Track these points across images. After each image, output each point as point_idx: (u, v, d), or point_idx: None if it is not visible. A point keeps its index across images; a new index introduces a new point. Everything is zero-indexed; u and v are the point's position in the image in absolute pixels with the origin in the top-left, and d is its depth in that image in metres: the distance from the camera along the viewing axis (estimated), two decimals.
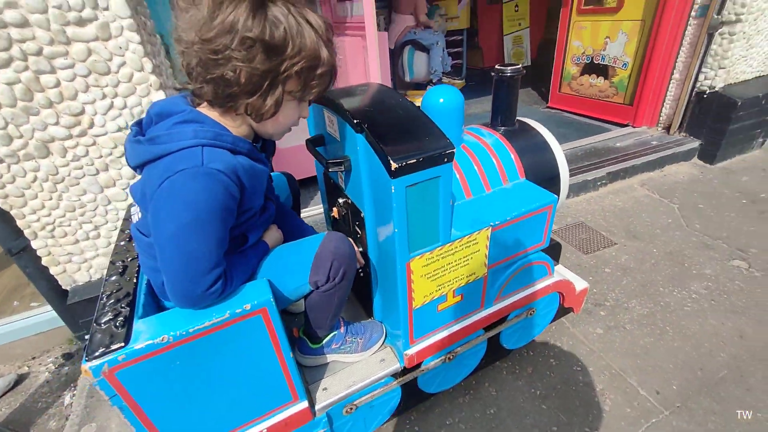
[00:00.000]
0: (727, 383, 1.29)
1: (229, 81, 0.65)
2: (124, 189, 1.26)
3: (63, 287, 1.34)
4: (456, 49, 4.84)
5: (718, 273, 1.74)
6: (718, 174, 2.50)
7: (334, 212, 1.12)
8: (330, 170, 0.90)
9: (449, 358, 1.13)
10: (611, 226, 2.11)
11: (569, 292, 1.30)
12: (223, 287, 0.70)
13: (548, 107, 3.62)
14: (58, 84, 1.07)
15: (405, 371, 1.06)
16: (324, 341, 1.00)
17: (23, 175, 1.13)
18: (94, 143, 1.17)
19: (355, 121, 0.78)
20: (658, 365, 1.36)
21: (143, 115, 0.78)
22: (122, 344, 0.63)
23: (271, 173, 1.05)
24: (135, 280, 0.76)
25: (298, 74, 0.67)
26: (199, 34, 0.62)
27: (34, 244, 1.24)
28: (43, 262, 1.27)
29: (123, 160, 1.23)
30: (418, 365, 1.08)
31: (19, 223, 1.19)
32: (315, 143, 1.03)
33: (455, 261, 0.94)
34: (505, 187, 1.10)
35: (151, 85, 1.17)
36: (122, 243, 0.90)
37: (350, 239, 0.89)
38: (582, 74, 3.24)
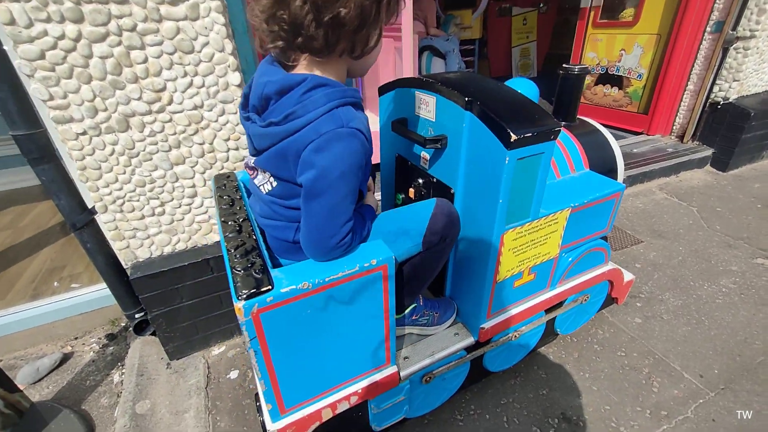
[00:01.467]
0: (765, 367, 1.35)
1: (342, 20, 0.63)
2: (192, 167, 1.29)
3: (123, 263, 1.34)
4: (468, 58, 4.97)
5: (744, 270, 1.82)
6: (731, 181, 2.62)
7: (411, 192, 1.16)
8: (427, 146, 0.95)
9: (515, 336, 1.17)
10: (636, 225, 2.20)
11: (618, 281, 1.36)
12: (351, 240, 0.74)
13: None
14: (146, 60, 1.10)
15: (477, 345, 1.10)
16: (406, 311, 1.03)
17: (102, 148, 1.15)
18: (170, 120, 1.20)
19: (466, 99, 0.83)
20: (698, 351, 1.43)
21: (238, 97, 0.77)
22: (270, 287, 0.66)
23: None
24: (254, 236, 0.79)
25: (389, 2, 0.67)
26: None
27: (103, 218, 1.25)
28: (110, 236, 1.28)
29: (195, 138, 1.25)
30: (489, 340, 1.12)
31: (93, 195, 1.20)
32: (401, 124, 1.08)
33: (538, 238, 0.99)
34: (573, 175, 1.16)
35: (229, 66, 1.20)
36: (224, 206, 0.92)
37: None
38: (596, 84, 3.37)
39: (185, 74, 1.17)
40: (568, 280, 1.18)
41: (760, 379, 1.32)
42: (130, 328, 1.51)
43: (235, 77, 1.23)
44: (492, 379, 1.35)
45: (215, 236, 1.45)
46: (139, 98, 1.14)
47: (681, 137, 2.84)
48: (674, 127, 2.89)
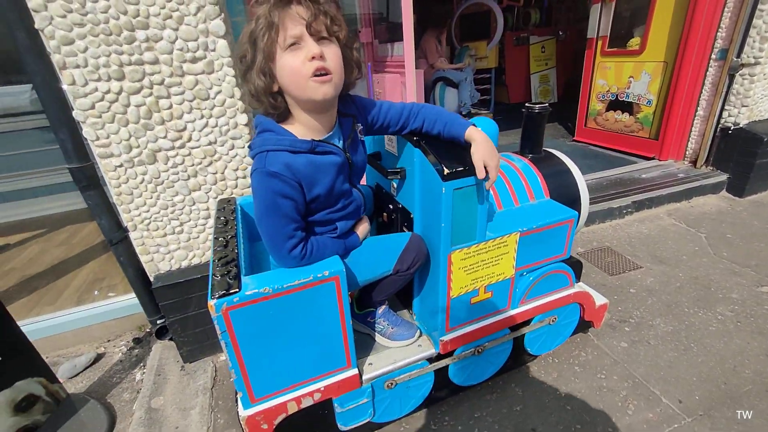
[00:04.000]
0: (751, 396, 1.33)
1: (252, 87, 0.86)
2: (207, 192, 1.52)
3: (148, 275, 1.58)
4: (485, 86, 5.14)
5: (745, 297, 1.78)
6: (748, 206, 2.54)
7: (384, 217, 1.31)
8: (389, 177, 1.10)
9: (478, 351, 1.26)
10: (637, 251, 2.19)
11: (589, 304, 1.42)
12: (303, 253, 0.90)
13: (574, 140, 3.77)
14: (171, 106, 1.36)
15: (439, 357, 1.20)
16: (365, 311, 1.18)
17: (135, 177, 1.41)
18: (189, 154, 1.44)
19: (414, 138, 0.99)
20: (682, 377, 1.43)
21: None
22: (237, 290, 0.83)
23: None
24: (236, 251, 0.97)
25: (253, 43, 0.82)
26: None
27: (133, 235, 1.49)
28: (138, 251, 1.52)
29: (209, 168, 1.49)
30: (451, 353, 1.22)
31: (125, 216, 1.46)
32: (375, 158, 1.25)
33: (488, 259, 1.10)
34: (532, 203, 1.26)
35: (238, 109, 1.44)
36: (220, 226, 1.12)
37: None
38: (607, 110, 3.41)
39: (202, 117, 1.42)
40: (530, 301, 1.26)
41: (744, 408, 1.30)
42: (153, 334, 1.74)
43: (243, 118, 1.47)
44: (469, 394, 1.43)
45: None
46: (165, 137, 1.39)
47: (694, 162, 2.81)
48: (687, 152, 2.86)
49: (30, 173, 3.50)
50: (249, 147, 0.91)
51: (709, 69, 2.57)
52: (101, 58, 1.23)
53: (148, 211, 1.47)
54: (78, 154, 1.38)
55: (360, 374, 1.07)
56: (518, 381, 1.46)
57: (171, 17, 1.26)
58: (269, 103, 0.87)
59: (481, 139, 0.96)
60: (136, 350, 1.81)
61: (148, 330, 1.91)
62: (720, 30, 2.46)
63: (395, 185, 1.20)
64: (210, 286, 0.84)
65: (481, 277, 1.12)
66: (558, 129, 4.37)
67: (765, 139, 2.42)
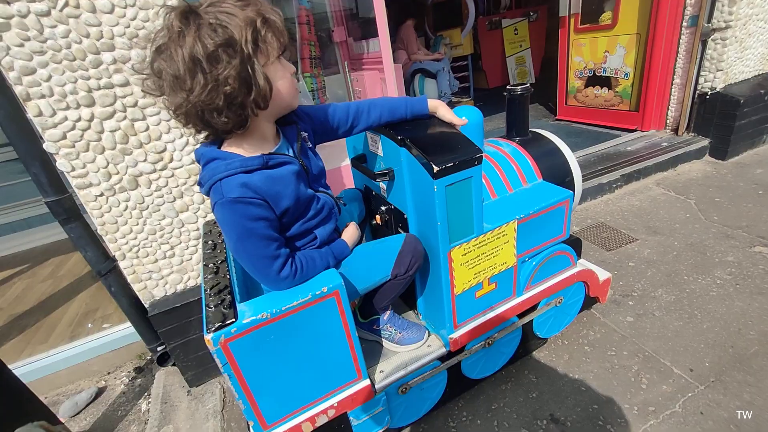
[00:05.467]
0: (759, 357, 1.35)
1: (233, 95, 0.73)
2: (195, 213, 1.47)
3: (143, 303, 1.53)
4: (463, 73, 5.14)
5: (740, 259, 1.80)
6: (732, 169, 2.58)
7: (377, 219, 1.28)
8: (377, 180, 1.08)
9: (488, 343, 1.25)
10: (631, 224, 2.21)
11: (593, 281, 1.41)
12: (293, 271, 0.86)
13: (557, 119, 3.79)
14: (147, 128, 1.31)
15: (450, 355, 1.19)
16: (369, 319, 1.16)
17: (117, 205, 1.35)
18: (172, 175, 1.39)
19: (399, 137, 0.96)
20: (690, 345, 1.44)
21: None
22: (234, 320, 0.79)
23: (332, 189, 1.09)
24: (228, 276, 0.93)
25: (255, 43, 0.73)
26: (182, 90, 0.71)
27: (121, 264, 1.44)
28: (129, 280, 1.47)
29: (195, 188, 1.44)
30: (462, 349, 1.20)
31: (111, 246, 1.40)
32: (359, 161, 1.22)
33: (488, 251, 1.08)
34: (525, 187, 1.25)
35: None
36: (209, 251, 1.08)
37: None
38: (586, 86, 3.42)
39: (182, 135, 1.37)
40: (535, 286, 1.26)
41: (753, 370, 1.32)
42: (154, 361, 1.69)
43: None
44: (484, 386, 1.42)
45: None
46: (145, 160, 1.34)
47: (675, 130, 2.84)
48: (668, 121, 2.89)
49: (5, 208, 3.39)
50: (198, 184, 0.84)
51: (682, 37, 2.59)
52: (67, 85, 1.18)
53: (135, 238, 1.42)
54: (54, 187, 1.32)
55: (372, 384, 1.05)
56: (531, 367, 1.46)
57: (137, 36, 1.21)
58: (236, 115, 0.76)
59: (442, 104, 1.08)
60: (139, 380, 1.77)
61: (149, 358, 1.86)
62: None
63: (384, 186, 1.18)
64: (204, 319, 0.81)
65: (483, 270, 1.10)
66: (539, 109, 4.38)
67: (742, 101, 2.45)
